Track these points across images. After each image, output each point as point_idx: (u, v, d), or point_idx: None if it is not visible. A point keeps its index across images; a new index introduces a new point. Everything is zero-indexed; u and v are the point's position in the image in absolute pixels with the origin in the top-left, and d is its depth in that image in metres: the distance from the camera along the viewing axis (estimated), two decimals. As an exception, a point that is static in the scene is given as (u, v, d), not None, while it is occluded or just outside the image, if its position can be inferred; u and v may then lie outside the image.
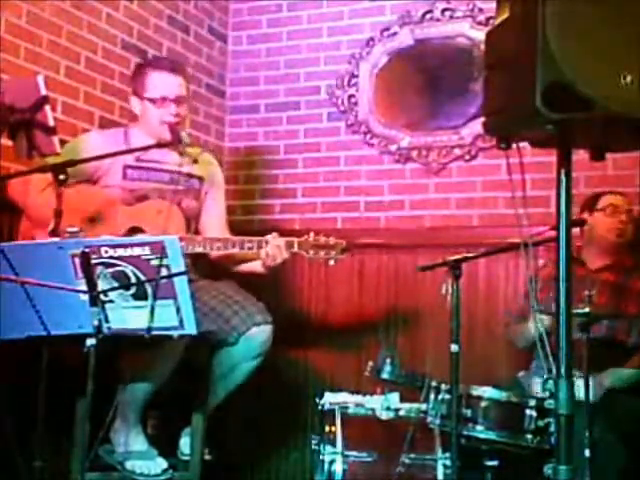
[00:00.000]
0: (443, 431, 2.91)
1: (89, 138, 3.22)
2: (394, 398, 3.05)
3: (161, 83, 3.10)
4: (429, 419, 2.89)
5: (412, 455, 2.91)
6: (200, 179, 3.25)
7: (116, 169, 3.05)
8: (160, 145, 3.08)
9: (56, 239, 2.29)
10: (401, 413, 3.02)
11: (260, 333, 3.04)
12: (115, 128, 3.38)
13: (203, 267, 3.22)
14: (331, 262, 3.03)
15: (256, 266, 3.11)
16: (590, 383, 2.65)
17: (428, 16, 4.09)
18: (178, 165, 3.10)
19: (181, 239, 2.52)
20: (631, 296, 3.20)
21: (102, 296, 2.23)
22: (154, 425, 3.25)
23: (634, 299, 3.19)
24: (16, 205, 2.94)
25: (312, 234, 3.03)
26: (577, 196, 3.31)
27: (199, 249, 2.97)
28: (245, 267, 3.20)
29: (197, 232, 3.20)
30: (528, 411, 2.75)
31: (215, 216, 3.29)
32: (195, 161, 3.23)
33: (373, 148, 4.16)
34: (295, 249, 3.00)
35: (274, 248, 2.97)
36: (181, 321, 2.26)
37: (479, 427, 2.79)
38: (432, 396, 2.89)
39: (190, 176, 3.20)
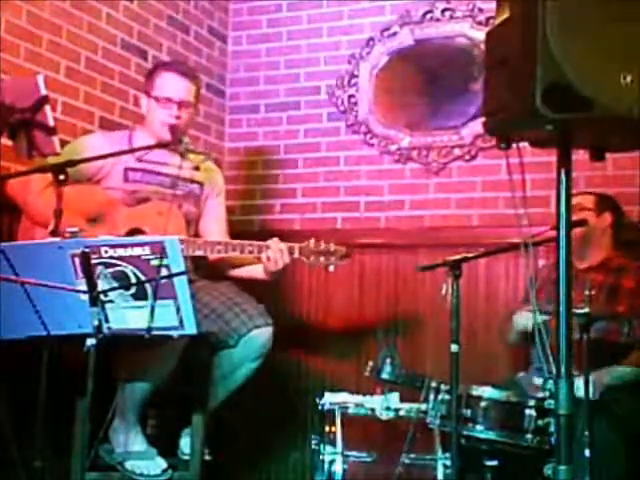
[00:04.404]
0: (443, 431, 2.91)
1: (91, 139, 3.21)
2: (394, 398, 3.05)
3: (169, 84, 3.12)
4: (429, 419, 2.89)
5: (412, 455, 2.91)
6: (200, 185, 3.25)
7: (117, 171, 3.05)
8: (160, 145, 3.08)
9: (56, 239, 2.29)
10: (401, 413, 3.02)
11: (260, 335, 3.04)
12: (119, 130, 3.38)
13: (204, 268, 3.22)
14: (331, 268, 3.04)
15: (257, 272, 3.11)
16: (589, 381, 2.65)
17: (428, 16, 4.09)
18: (178, 168, 3.10)
19: (182, 241, 2.53)
20: (621, 295, 3.20)
21: (102, 296, 2.23)
22: (154, 425, 3.25)
23: (623, 298, 3.19)
24: (16, 205, 2.94)
25: (313, 240, 3.03)
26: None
27: (199, 252, 2.97)
28: (246, 272, 3.20)
29: (196, 236, 3.20)
30: (528, 411, 2.75)
31: (214, 222, 3.29)
32: (197, 168, 3.24)
33: (373, 148, 4.16)
34: (296, 255, 3.01)
35: (276, 251, 2.97)
36: (181, 321, 2.26)
37: (479, 427, 2.78)
38: (432, 396, 2.89)
39: (191, 181, 3.21)
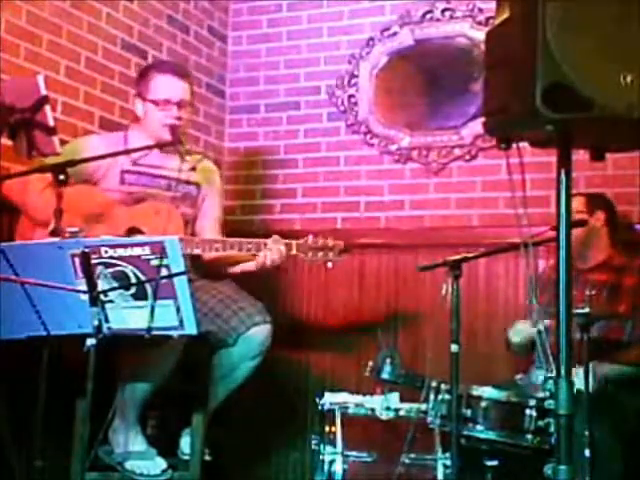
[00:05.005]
0: (443, 431, 2.91)
1: (89, 140, 3.22)
2: (394, 398, 3.05)
3: (165, 86, 3.11)
4: (429, 419, 2.89)
5: (412, 455, 2.91)
6: (197, 186, 3.24)
7: (114, 173, 3.05)
8: (160, 145, 3.08)
9: (56, 239, 2.29)
10: (401, 413, 3.02)
11: (259, 333, 3.04)
12: (114, 132, 3.38)
13: (202, 267, 3.22)
14: (329, 264, 3.03)
15: (249, 266, 3.10)
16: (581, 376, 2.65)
17: (428, 16, 4.09)
18: (177, 171, 3.09)
19: (180, 240, 2.52)
20: (622, 294, 3.20)
21: (102, 296, 2.23)
22: (154, 425, 3.25)
23: (625, 296, 3.19)
24: (14, 205, 2.94)
25: (311, 236, 3.03)
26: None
27: (198, 250, 2.96)
28: (238, 268, 3.19)
29: (192, 236, 3.20)
30: (528, 411, 2.75)
31: (211, 220, 3.29)
32: (193, 168, 3.23)
33: (373, 148, 4.16)
34: (294, 251, 3.00)
35: (275, 253, 2.96)
36: (181, 321, 2.26)
37: (479, 427, 2.78)
38: (432, 396, 2.89)
39: (187, 183, 3.20)
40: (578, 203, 3.30)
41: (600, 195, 3.40)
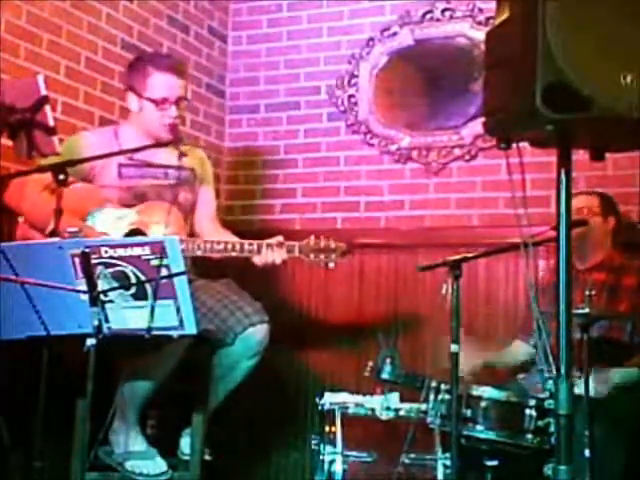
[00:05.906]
0: (443, 431, 2.91)
1: (85, 137, 3.17)
2: (394, 398, 3.05)
3: (164, 85, 3.07)
4: (429, 419, 2.89)
5: (412, 455, 2.91)
6: (192, 171, 3.23)
7: (110, 169, 3.03)
8: (163, 145, 3.07)
9: (56, 239, 2.29)
10: (401, 413, 3.02)
11: (256, 332, 3.03)
12: (104, 127, 3.37)
13: (201, 267, 3.22)
14: (331, 265, 3.02)
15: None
16: (592, 382, 2.65)
17: (428, 16, 4.09)
18: (178, 168, 3.09)
19: (182, 241, 2.52)
20: (622, 294, 3.20)
21: (102, 296, 2.23)
22: (154, 425, 3.25)
23: (625, 297, 3.19)
24: (12, 210, 2.93)
25: (313, 237, 3.01)
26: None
27: (199, 252, 2.96)
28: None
29: (192, 226, 3.21)
30: (528, 411, 2.75)
31: (208, 207, 3.29)
32: (185, 154, 3.20)
33: (373, 148, 4.16)
34: (296, 253, 2.99)
35: (278, 256, 2.95)
36: (181, 321, 2.26)
37: (479, 427, 2.78)
38: (432, 396, 2.89)
39: (183, 168, 3.17)
40: (594, 204, 3.29)
41: (611, 197, 3.39)
